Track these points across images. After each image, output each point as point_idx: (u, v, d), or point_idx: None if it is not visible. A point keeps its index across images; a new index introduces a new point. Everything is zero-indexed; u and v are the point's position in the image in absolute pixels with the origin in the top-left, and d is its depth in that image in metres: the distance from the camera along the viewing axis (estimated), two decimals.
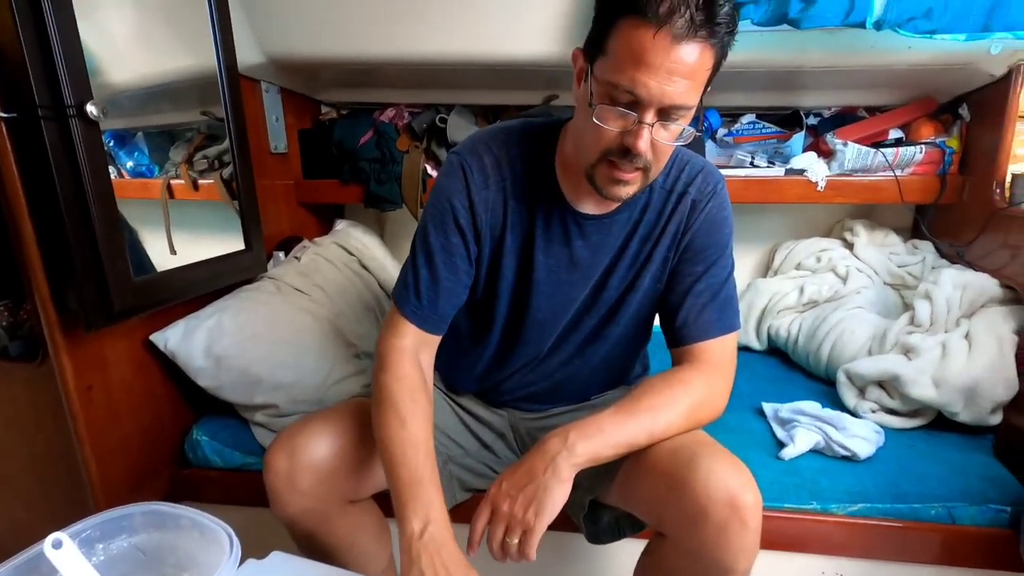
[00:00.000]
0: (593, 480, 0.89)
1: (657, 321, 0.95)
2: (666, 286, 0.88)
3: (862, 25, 1.11)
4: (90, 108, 0.91)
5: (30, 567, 0.55)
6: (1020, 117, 1.29)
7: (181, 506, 0.61)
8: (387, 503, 0.95)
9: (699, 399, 0.81)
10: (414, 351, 0.86)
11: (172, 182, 1.43)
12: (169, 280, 1.16)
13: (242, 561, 0.62)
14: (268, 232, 1.52)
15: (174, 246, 1.39)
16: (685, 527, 0.74)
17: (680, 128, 0.71)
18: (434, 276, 0.85)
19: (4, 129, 0.90)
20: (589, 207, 0.85)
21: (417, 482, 0.77)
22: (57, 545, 0.51)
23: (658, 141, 0.71)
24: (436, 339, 0.89)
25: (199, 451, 1.23)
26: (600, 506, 0.91)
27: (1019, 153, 1.53)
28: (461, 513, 1.05)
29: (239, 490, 1.20)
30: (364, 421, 0.88)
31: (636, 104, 0.68)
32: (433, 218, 0.86)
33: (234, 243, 1.37)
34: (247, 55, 1.39)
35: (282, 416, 1.22)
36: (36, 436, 1.16)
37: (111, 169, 1.40)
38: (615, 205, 0.84)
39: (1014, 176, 1.29)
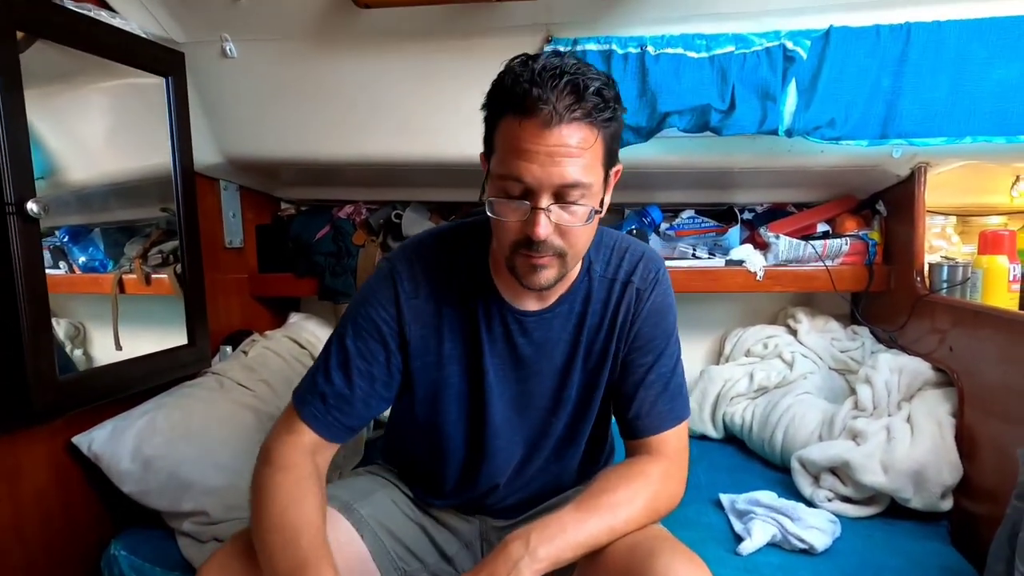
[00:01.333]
0: None
1: None
2: (618, 378, 0.86)
3: (775, 132, 1.22)
4: (31, 206, 0.92)
5: None
6: (929, 212, 1.40)
7: None
8: None
9: (657, 491, 0.79)
10: (309, 450, 0.79)
11: (124, 276, 1.42)
12: (99, 378, 1.12)
13: None
14: (217, 326, 1.50)
15: (120, 342, 1.35)
16: None
17: (586, 210, 0.70)
18: (349, 382, 0.80)
19: None
20: (528, 303, 0.83)
21: (302, 565, 0.67)
22: None
23: (563, 225, 0.70)
24: (333, 447, 0.82)
25: (116, 568, 1.11)
26: None
27: (935, 244, 1.66)
28: None
29: None
30: None
31: (529, 192, 0.68)
32: (354, 322, 0.82)
33: (183, 338, 1.34)
34: (207, 155, 1.44)
35: (212, 524, 1.13)
36: None
37: (62, 264, 1.41)
38: (553, 299, 0.84)
39: (931, 265, 1.39)
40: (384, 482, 0.98)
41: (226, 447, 1.19)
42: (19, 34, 0.94)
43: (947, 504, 1.15)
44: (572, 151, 0.66)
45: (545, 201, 0.68)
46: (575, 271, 0.83)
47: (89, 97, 1.28)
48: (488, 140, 0.73)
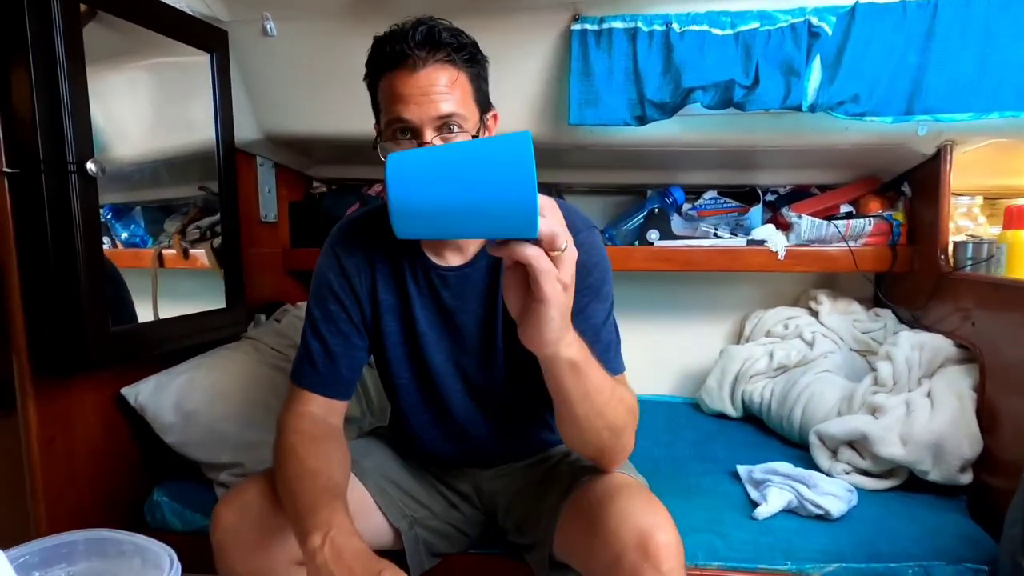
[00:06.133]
0: (546, 533, 0.87)
1: None
2: None
3: (799, 108, 1.24)
4: (90, 165, 0.99)
5: None
6: (954, 194, 1.40)
7: (125, 532, 0.60)
8: None
9: (633, 403, 0.78)
10: (320, 415, 0.87)
11: (164, 252, 1.49)
12: (146, 332, 1.19)
13: None
14: (252, 296, 1.56)
15: (159, 314, 1.42)
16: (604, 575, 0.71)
17: (467, 138, 0.78)
18: (325, 345, 0.88)
19: (6, 183, 0.97)
20: (450, 259, 0.88)
21: (314, 504, 0.72)
22: None
23: None
24: (343, 404, 0.90)
25: (158, 513, 1.18)
26: (564, 569, 0.87)
27: (961, 224, 1.65)
28: None
29: (198, 556, 1.14)
30: None
31: (415, 132, 0.77)
32: (313, 295, 0.91)
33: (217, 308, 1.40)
34: (246, 132, 1.50)
35: (246, 475, 1.19)
36: None
37: (106, 240, 1.49)
38: (472, 255, 0.88)
39: (955, 243, 1.38)
40: (387, 441, 1.03)
41: (260, 406, 1.25)
42: (82, 7, 1.01)
43: (966, 478, 1.16)
44: (441, 88, 0.76)
45: (429, 135, 0.77)
46: None
47: (132, 75, 1.35)
48: (375, 104, 0.83)
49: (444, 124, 0.77)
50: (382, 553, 0.95)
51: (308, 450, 0.81)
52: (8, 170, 0.97)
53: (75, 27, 0.99)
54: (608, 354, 0.84)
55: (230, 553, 0.82)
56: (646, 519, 0.70)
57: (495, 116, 0.87)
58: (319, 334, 0.88)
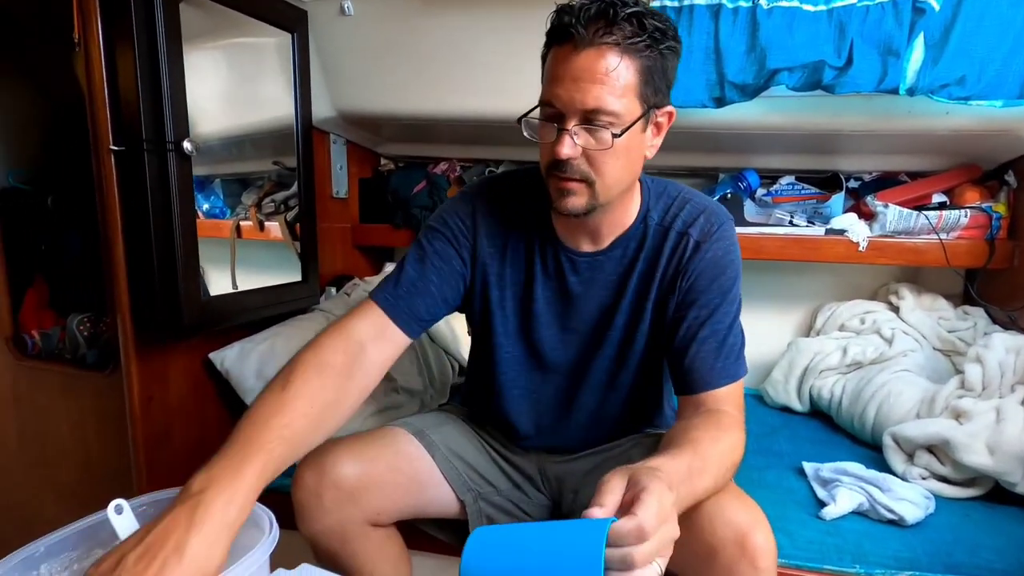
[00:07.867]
0: None
1: None
2: (670, 331, 0.84)
3: (895, 91, 1.15)
4: (186, 144, 1.04)
5: (90, 532, 0.59)
6: None
7: None
8: (409, 534, 0.98)
9: (740, 454, 0.76)
10: (363, 338, 0.79)
11: (241, 223, 1.57)
12: (231, 302, 1.26)
13: (273, 568, 0.64)
14: (323, 270, 1.63)
15: (236, 282, 1.51)
16: (695, 569, 0.71)
17: (609, 135, 0.71)
18: (423, 274, 0.84)
19: (112, 160, 1.04)
20: (583, 245, 0.87)
21: (231, 448, 0.67)
22: (119, 510, 0.56)
23: (588, 149, 0.72)
24: (399, 337, 0.83)
25: None
26: None
27: None
28: None
29: (274, 511, 1.23)
30: (392, 448, 0.91)
31: (560, 116, 0.71)
32: (432, 229, 0.88)
33: (290, 280, 1.47)
34: (320, 109, 1.54)
35: None
36: (94, 443, 1.25)
37: None
38: (607, 243, 0.85)
39: None
40: (456, 418, 1.05)
41: None
42: None
43: None
44: (598, 76, 0.68)
45: (571, 124, 0.71)
46: (629, 217, 0.85)
47: (214, 54, 1.39)
48: (542, 75, 0.76)
49: (591, 116, 0.70)
50: (448, 522, 1.01)
51: (301, 377, 0.74)
52: (115, 148, 1.04)
53: (174, 9, 1.04)
54: (729, 359, 0.81)
55: (310, 512, 0.87)
56: (742, 516, 0.69)
57: (670, 115, 0.78)
58: (423, 262, 0.86)
